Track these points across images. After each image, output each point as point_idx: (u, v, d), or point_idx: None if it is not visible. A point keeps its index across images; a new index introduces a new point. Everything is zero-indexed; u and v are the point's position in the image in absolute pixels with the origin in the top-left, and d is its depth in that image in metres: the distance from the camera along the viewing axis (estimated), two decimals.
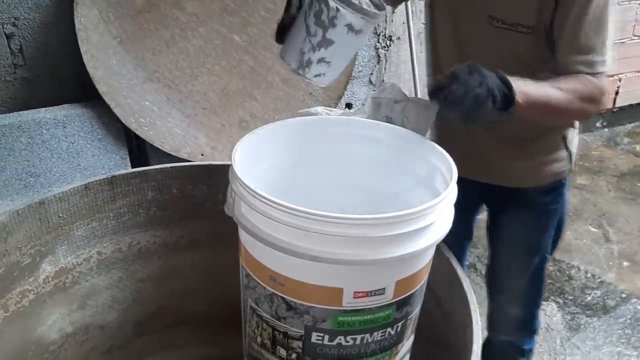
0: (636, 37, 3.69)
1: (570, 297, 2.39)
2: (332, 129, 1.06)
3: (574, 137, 1.39)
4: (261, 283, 0.86)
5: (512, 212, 1.44)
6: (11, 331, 1.21)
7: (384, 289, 0.81)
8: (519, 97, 0.98)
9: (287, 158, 1.03)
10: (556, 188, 1.41)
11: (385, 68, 2.90)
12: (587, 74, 1.10)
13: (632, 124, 4.02)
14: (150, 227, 1.42)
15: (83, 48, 1.92)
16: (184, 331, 1.53)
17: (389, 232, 0.74)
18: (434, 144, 0.99)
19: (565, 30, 1.11)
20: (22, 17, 1.90)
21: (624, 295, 2.39)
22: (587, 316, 2.29)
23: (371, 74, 2.87)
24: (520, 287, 1.52)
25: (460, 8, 1.23)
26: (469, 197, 1.44)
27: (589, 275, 2.52)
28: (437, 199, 0.79)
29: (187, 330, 1.54)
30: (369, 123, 1.04)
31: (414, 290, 0.87)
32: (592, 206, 2.95)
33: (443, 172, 0.92)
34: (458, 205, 1.20)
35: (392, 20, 2.75)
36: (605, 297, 2.38)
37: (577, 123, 1.38)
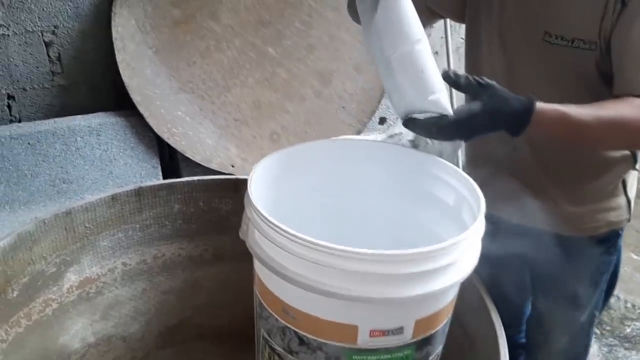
0: None
1: (608, 328, 2.29)
2: (355, 153, 1.02)
3: (634, 182, 1.25)
4: (274, 314, 0.83)
5: (559, 262, 1.26)
6: (33, 340, 1.22)
7: (402, 327, 0.77)
8: (536, 127, 0.90)
9: (307, 182, 1.00)
10: (610, 239, 1.25)
11: None
12: None
13: None
14: (175, 239, 1.41)
15: (119, 57, 1.94)
16: (206, 345, 1.52)
17: (410, 270, 0.69)
18: (461, 171, 0.93)
19: (625, 43, 0.96)
20: (61, 26, 1.94)
21: None
22: (625, 349, 2.18)
23: None
24: (563, 344, 1.37)
25: (512, 26, 1.10)
26: (514, 248, 1.30)
27: (628, 305, 2.41)
28: (462, 235, 0.73)
29: (209, 344, 1.52)
30: (394, 148, 0.99)
31: (435, 330, 0.83)
32: (634, 232, 2.83)
33: (470, 202, 0.86)
34: (504, 262, 1.13)
35: (430, 35, 2.71)
36: None
37: (638, 163, 1.22)
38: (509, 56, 1.13)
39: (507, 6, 1.10)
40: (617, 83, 0.99)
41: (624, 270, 2.52)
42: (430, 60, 0.94)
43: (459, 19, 1.27)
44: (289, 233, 0.71)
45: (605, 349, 2.19)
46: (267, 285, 0.82)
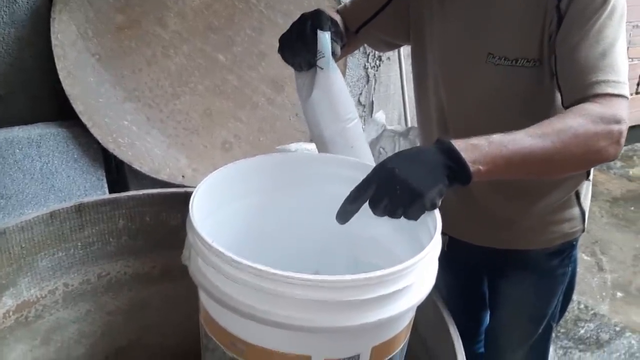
0: None
1: (563, 330, 2.32)
2: (306, 168, 0.98)
3: (588, 192, 1.23)
4: (221, 346, 0.76)
5: (514, 276, 1.27)
6: None
7: (358, 355, 0.72)
8: (479, 165, 0.78)
9: (257, 199, 0.94)
10: (565, 250, 1.23)
11: (374, 88, 2.84)
12: (597, 95, 0.89)
13: (625, 147, 3.98)
14: (120, 256, 1.35)
15: (59, 65, 1.85)
16: None
17: (364, 296, 0.64)
18: None
19: (566, 52, 0.94)
20: None
21: (617, 329, 2.32)
22: (580, 351, 2.21)
23: (360, 94, 2.82)
24: (521, 355, 1.36)
25: (454, 49, 1.10)
26: (469, 262, 1.29)
27: (582, 306, 2.45)
28: (417, 257, 0.69)
29: None
30: (346, 161, 0.96)
31: (393, 354, 0.78)
32: (584, 233, 2.89)
33: (427, 220, 0.81)
34: (459, 274, 1.09)
35: None
36: (599, 330, 2.31)
37: (591, 174, 1.20)
38: (451, 78, 1.12)
39: (449, 30, 1.10)
40: (564, 94, 0.96)
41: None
42: (360, 137, 1.06)
43: None
44: (233, 260, 0.65)
45: (561, 352, 2.21)
46: (212, 316, 0.76)
